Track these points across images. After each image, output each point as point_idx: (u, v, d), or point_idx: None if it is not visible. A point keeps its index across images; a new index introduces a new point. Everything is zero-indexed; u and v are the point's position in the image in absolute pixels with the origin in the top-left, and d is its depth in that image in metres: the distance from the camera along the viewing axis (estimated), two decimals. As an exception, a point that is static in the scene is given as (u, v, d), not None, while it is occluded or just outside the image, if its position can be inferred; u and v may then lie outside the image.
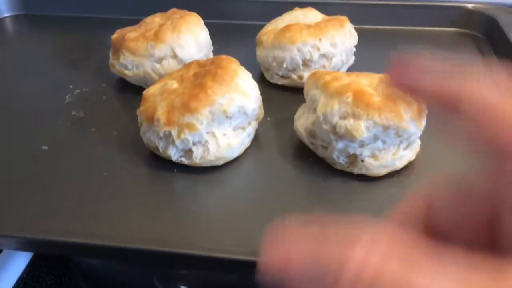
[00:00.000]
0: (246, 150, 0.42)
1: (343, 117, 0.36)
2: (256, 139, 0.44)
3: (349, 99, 0.36)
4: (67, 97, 0.51)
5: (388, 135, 0.36)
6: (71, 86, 0.53)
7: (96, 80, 0.54)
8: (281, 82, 0.51)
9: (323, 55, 0.48)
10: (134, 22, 0.55)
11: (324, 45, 0.48)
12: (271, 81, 0.52)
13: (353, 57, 0.53)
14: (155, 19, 0.53)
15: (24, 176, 0.41)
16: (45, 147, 0.44)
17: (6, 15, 0.72)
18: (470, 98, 0.16)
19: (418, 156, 0.40)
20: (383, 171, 0.38)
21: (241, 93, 0.39)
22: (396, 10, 0.63)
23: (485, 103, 0.15)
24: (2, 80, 0.56)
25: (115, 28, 0.54)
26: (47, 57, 0.61)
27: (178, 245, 0.33)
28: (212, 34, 0.54)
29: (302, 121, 0.40)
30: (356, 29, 0.52)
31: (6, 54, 0.63)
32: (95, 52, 0.61)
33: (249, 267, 0.33)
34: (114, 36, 0.52)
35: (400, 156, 0.38)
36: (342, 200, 0.37)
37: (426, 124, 0.38)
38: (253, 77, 0.43)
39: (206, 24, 0.53)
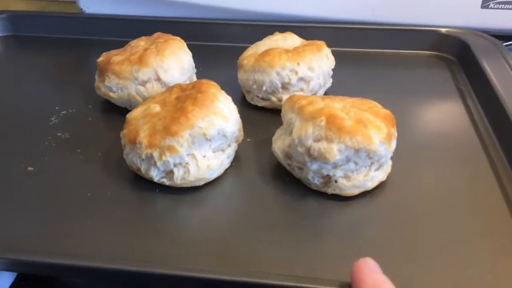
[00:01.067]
0: (226, 171, 0.44)
1: (317, 140, 0.38)
2: (236, 160, 0.45)
3: (323, 123, 0.38)
4: (53, 118, 0.53)
5: (360, 157, 0.38)
6: (57, 107, 0.54)
7: (82, 101, 0.56)
8: (261, 104, 0.53)
9: (301, 79, 0.50)
10: (120, 44, 0.56)
11: (302, 69, 0.50)
12: (252, 102, 0.53)
13: (331, 80, 0.55)
14: (140, 43, 0.54)
15: (9, 197, 0.42)
16: (30, 168, 0.45)
17: (-5, 35, 0.74)
18: None
19: (389, 176, 0.42)
20: (356, 191, 0.40)
21: (221, 116, 0.41)
22: (373, 33, 0.66)
23: None
24: (-11, 101, 0.58)
25: (102, 50, 0.56)
26: (34, 77, 0.63)
27: (159, 265, 0.34)
28: (195, 56, 0.56)
29: (279, 144, 0.42)
30: (333, 51, 0.54)
31: (-6, 75, 0.64)
32: (81, 73, 0.63)
33: (229, 286, 0.34)
34: (100, 59, 0.53)
35: (371, 177, 0.40)
36: (317, 219, 0.39)
37: (397, 146, 0.41)
38: (235, 98, 0.45)
39: (189, 46, 0.55)
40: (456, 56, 0.63)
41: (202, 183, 0.42)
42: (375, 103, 0.42)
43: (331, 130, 0.37)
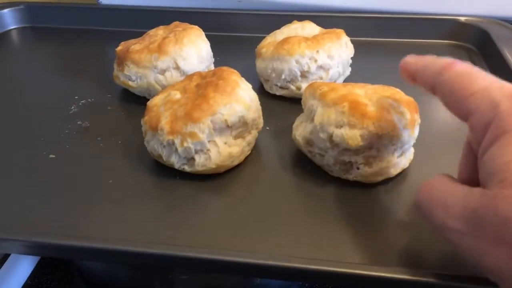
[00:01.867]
0: (246, 158, 0.44)
1: (339, 126, 0.38)
2: (256, 148, 0.45)
3: (345, 109, 0.38)
4: (72, 107, 0.53)
5: (382, 143, 0.38)
6: (76, 97, 0.55)
7: (101, 91, 0.56)
8: (279, 92, 0.52)
9: (320, 67, 0.50)
10: (138, 34, 0.56)
11: (321, 57, 0.50)
12: (270, 91, 0.53)
13: (350, 69, 0.54)
14: (158, 32, 0.54)
15: (32, 183, 0.42)
16: (52, 156, 0.45)
17: (12, 27, 0.74)
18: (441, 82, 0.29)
19: (411, 163, 0.42)
20: (378, 178, 0.40)
21: (242, 103, 0.41)
22: (391, 22, 0.65)
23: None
24: (9, 91, 0.58)
25: (120, 40, 0.56)
26: (53, 68, 0.63)
27: (183, 248, 0.34)
28: (213, 46, 0.56)
29: (300, 131, 0.42)
30: (352, 41, 0.54)
31: (13, 65, 0.65)
32: (99, 64, 0.63)
33: (250, 270, 0.34)
34: (119, 48, 0.53)
35: (394, 163, 0.39)
36: (339, 205, 0.39)
37: (419, 135, 0.40)
38: (253, 87, 0.45)
39: (207, 36, 0.55)
40: (476, 45, 0.62)
41: (223, 170, 0.42)
42: (397, 89, 0.41)
43: (354, 116, 0.37)
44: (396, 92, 0.41)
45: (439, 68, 0.29)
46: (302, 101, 0.44)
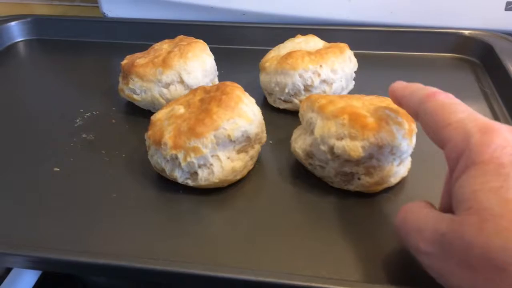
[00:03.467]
0: (249, 172, 0.44)
1: (340, 138, 0.38)
2: (259, 161, 0.45)
3: (345, 121, 0.38)
4: (77, 120, 0.53)
5: (382, 153, 0.38)
6: (81, 110, 0.55)
7: (106, 104, 0.56)
8: (283, 106, 0.53)
9: (324, 81, 0.50)
10: (144, 47, 0.57)
11: (325, 71, 0.50)
12: (274, 105, 0.54)
13: (353, 82, 0.54)
14: (163, 46, 0.55)
15: (36, 197, 0.42)
16: (56, 169, 0.46)
17: (20, 39, 0.75)
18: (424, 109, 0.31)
19: (410, 172, 0.42)
20: (379, 188, 0.40)
21: (245, 118, 0.41)
22: (395, 36, 0.65)
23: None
24: (15, 103, 0.59)
25: (126, 53, 0.56)
26: (59, 80, 0.64)
27: (184, 264, 0.34)
28: (217, 59, 0.56)
29: (300, 143, 0.42)
30: (355, 54, 0.54)
31: (19, 78, 0.65)
32: (104, 77, 0.63)
33: (251, 286, 0.34)
34: (124, 62, 0.54)
35: (394, 172, 0.40)
36: (341, 217, 0.39)
37: (420, 148, 0.41)
38: (257, 101, 0.45)
39: (212, 49, 0.56)
40: (480, 58, 0.62)
41: (225, 184, 0.42)
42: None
43: (354, 128, 0.37)
44: (391, 103, 0.41)
45: (423, 96, 0.31)
46: (299, 114, 0.44)
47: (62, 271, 0.47)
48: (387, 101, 0.41)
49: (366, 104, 0.40)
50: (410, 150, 0.40)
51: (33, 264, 0.37)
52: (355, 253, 0.35)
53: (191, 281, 0.35)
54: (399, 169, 0.40)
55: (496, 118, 0.51)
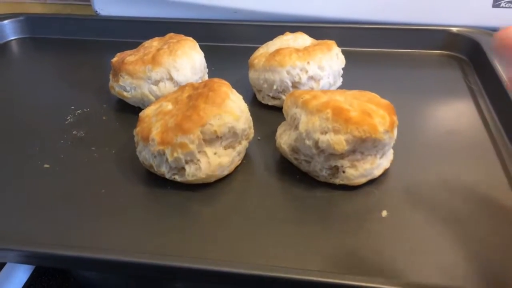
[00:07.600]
0: (236, 168, 0.44)
1: (324, 132, 0.39)
2: (247, 157, 0.46)
3: (329, 115, 0.39)
4: (68, 117, 0.54)
5: (366, 146, 0.39)
6: (72, 107, 0.56)
7: (97, 101, 0.57)
8: (271, 102, 0.53)
9: (311, 78, 0.51)
10: (134, 45, 0.58)
11: (312, 68, 0.50)
12: (263, 101, 0.54)
13: (341, 79, 0.55)
14: (153, 43, 0.56)
15: (27, 192, 0.43)
16: (47, 165, 0.46)
17: (12, 38, 0.76)
18: None
19: (392, 163, 0.43)
20: (363, 180, 0.41)
21: (232, 115, 0.42)
22: (383, 33, 0.66)
23: None
24: (7, 100, 0.59)
25: (117, 50, 0.57)
26: (50, 78, 0.64)
27: (173, 258, 0.35)
28: (207, 56, 0.57)
29: (285, 139, 0.43)
30: (343, 51, 0.55)
31: (11, 75, 0.66)
32: (96, 74, 0.64)
33: (240, 279, 0.35)
34: (114, 59, 0.55)
35: (377, 165, 0.41)
36: (327, 209, 0.40)
37: (407, 144, 0.41)
38: (246, 97, 0.46)
39: (201, 46, 0.56)
40: (467, 55, 0.63)
41: (213, 179, 0.42)
42: (373, 94, 0.43)
43: (337, 122, 0.38)
44: (373, 96, 0.42)
45: None
46: (283, 110, 0.45)
47: (52, 265, 0.48)
48: (368, 95, 0.42)
49: (348, 98, 0.41)
50: (392, 143, 0.41)
51: (22, 258, 0.37)
52: (341, 246, 0.36)
53: (179, 274, 0.35)
54: (382, 161, 0.41)
55: (481, 114, 0.51)
